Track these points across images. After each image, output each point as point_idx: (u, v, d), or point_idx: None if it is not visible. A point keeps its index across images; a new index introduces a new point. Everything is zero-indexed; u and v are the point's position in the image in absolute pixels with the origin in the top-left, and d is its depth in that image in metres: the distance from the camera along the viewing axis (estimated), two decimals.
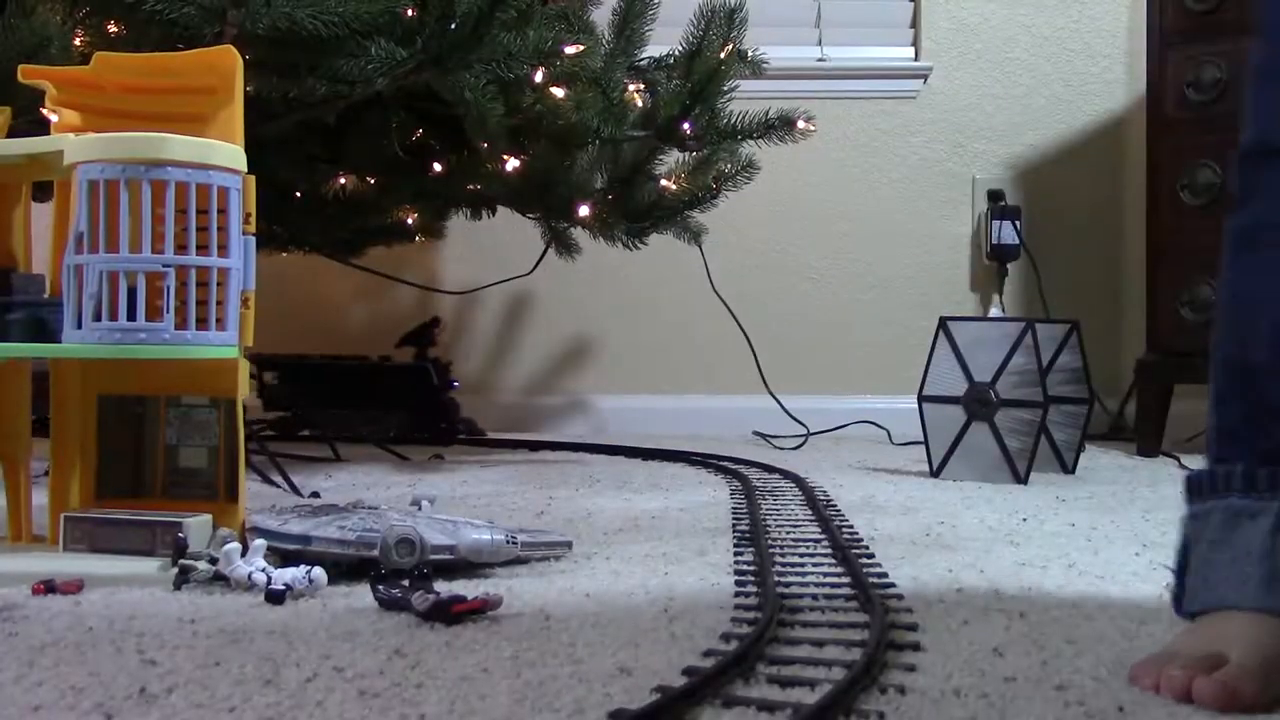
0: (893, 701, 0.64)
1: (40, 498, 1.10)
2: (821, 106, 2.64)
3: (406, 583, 0.90)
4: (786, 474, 1.69)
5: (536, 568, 1.03)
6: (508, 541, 1.00)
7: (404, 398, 2.27)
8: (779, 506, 1.39)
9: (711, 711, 0.62)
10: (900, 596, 0.90)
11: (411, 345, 2.34)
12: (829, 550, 1.09)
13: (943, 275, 2.78)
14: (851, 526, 1.25)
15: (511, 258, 2.61)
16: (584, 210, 1.95)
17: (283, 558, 0.97)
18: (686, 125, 1.82)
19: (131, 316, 0.96)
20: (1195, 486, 0.75)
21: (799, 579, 0.95)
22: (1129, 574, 1.01)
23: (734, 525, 1.26)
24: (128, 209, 0.95)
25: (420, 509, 1.14)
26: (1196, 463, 2.08)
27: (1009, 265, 2.73)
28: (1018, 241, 2.70)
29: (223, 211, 1.00)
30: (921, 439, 1.78)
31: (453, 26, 1.45)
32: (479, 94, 1.55)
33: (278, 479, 1.56)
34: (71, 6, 1.37)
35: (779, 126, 1.94)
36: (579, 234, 2.20)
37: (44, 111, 1.07)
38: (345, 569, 0.97)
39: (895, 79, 2.79)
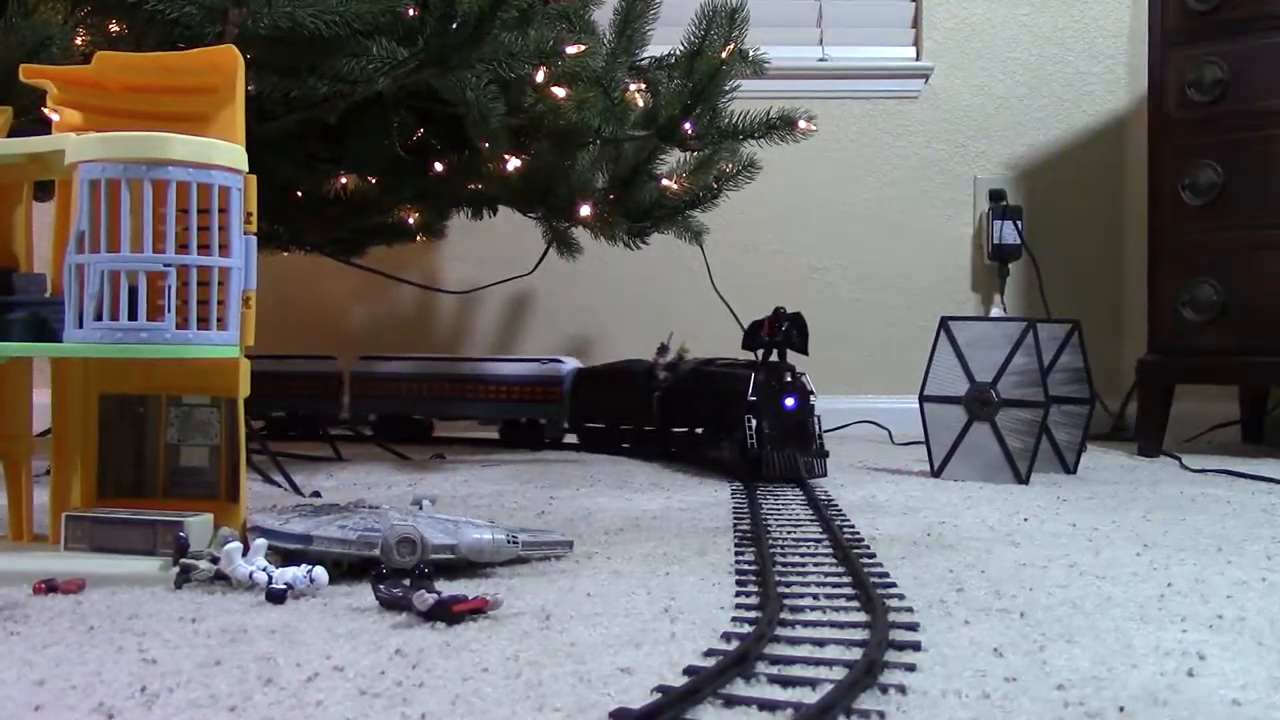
0: (893, 701, 0.64)
1: (41, 497, 1.10)
2: (823, 106, 2.65)
3: (407, 582, 0.90)
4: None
5: (537, 567, 1.03)
6: (508, 541, 1.00)
7: (736, 416, 1.68)
8: (780, 506, 1.39)
9: (713, 711, 0.62)
10: (901, 596, 0.90)
11: (758, 348, 1.76)
12: (830, 550, 1.09)
13: (944, 275, 2.78)
14: (852, 526, 1.25)
15: (512, 257, 2.62)
16: (585, 210, 1.95)
17: (284, 557, 0.97)
18: (688, 125, 1.82)
19: (133, 316, 0.96)
20: None
21: (800, 579, 0.95)
22: (1130, 574, 1.01)
23: (735, 525, 1.26)
24: (129, 208, 0.95)
25: (421, 508, 1.14)
26: (1198, 463, 2.08)
27: (1010, 265, 2.73)
28: (1019, 241, 2.70)
29: (224, 211, 1.00)
30: (922, 439, 1.78)
31: (454, 26, 1.45)
32: (480, 94, 1.55)
33: (279, 478, 1.56)
34: (73, 6, 1.37)
35: (780, 126, 1.94)
36: (580, 234, 2.21)
37: (45, 111, 1.07)
38: (346, 568, 0.97)
39: (897, 79, 2.79)
